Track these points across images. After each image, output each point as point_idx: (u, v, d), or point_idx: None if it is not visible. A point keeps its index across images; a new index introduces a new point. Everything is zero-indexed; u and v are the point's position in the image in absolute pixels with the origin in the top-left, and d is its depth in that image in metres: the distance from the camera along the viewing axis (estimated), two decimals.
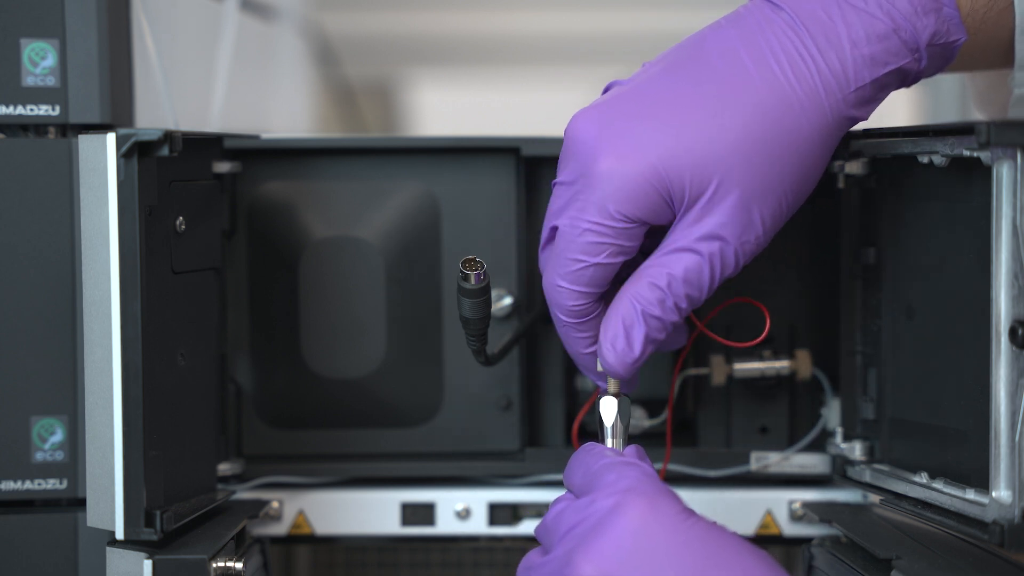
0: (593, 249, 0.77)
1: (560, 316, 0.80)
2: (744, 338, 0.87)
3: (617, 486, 0.73)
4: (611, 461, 0.75)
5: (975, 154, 0.73)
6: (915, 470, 0.80)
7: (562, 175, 0.79)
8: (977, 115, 0.97)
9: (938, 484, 0.78)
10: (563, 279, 0.78)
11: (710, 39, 0.79)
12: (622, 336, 0.78)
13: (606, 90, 0.81)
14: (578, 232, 0.77)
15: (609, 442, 0.79)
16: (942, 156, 0.77)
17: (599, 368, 0.80)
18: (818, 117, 0.77)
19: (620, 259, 0.78)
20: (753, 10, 0.79)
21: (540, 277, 0.82)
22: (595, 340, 0.80)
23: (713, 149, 0.76)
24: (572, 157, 0.78)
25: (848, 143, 0.86)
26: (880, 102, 0.79)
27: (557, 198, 0.79)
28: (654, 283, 0.77)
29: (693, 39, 0.80)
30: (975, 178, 0.75)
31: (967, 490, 0.75)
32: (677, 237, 0.77)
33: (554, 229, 0.79)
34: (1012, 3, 0.80)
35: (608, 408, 0.80)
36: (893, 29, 0.77)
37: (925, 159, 0.78)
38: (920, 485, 0.79)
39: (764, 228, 0.78)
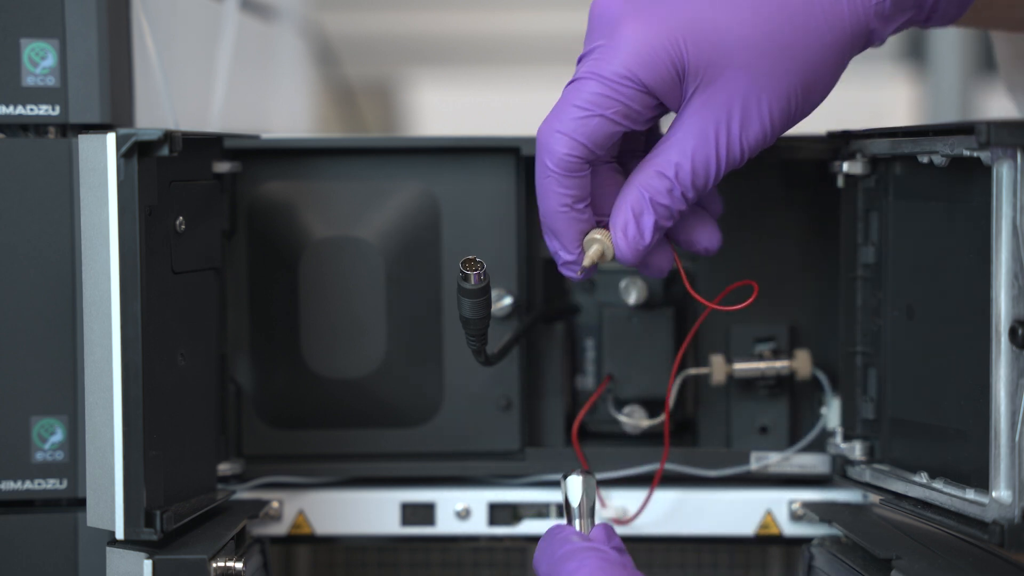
0: (601, 102, 0.78)
1: (548, 165, 0.79)
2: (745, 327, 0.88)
3: None
4: (573, 548, 0.75)
5: (975, 154, 0.73)
6: (915, 470, 0.80)
7: (584, 49, 0.80)
8: (1005, 89, 0.96)
9: (938, 484, 0.78)
10: (563, 126, 0.78)
11: None
12: (632, 223, 0.79)
13: None
14: (589, 84, 0.78)
15: (576, 524, 0.79)
16: (942, 156, 0.77)
17: (565, 255, 0.81)
18: (838, 21, 0.78)
19: (624, 124, 0.78)
20: None
21: (540, 239, 0.82)
22: (574, 200, 0.80)
23: (734, 34, 0.77)
24: (595, 29, 0.79)
25: (848, 143, 0.86)
26: (896, 25, 0.80)
27: (581, 65, 0.80)
28: (661, 172, 0.79)
29: None
30: (975, 178, 0.75)
31: (967, 490, 0.75)
32: (684, 123, 0.79)
33: None
34: None
35: (574, 488, 0.79)
36: None
37: (925, 159, 0.78)
38: (920, 485, 0.79)
39: (771, 123, 0.79)
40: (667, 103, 0.79)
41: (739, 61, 0.78)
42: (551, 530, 0.78)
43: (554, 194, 0.80)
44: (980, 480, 0.74)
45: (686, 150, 0.79)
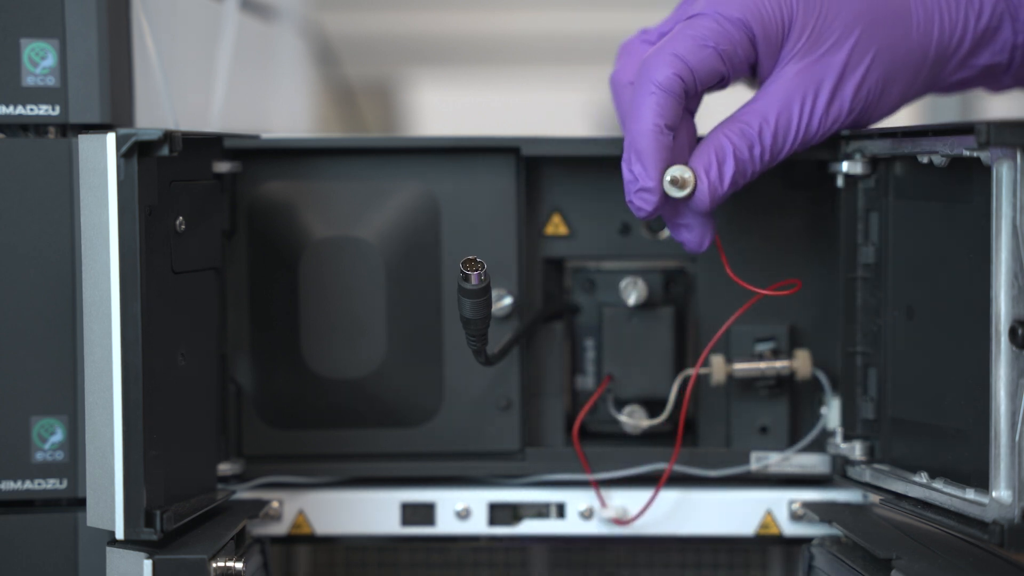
0: (716, 37, 0.81)
1: (655, 81, 0.80)
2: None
3: None
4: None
5: (975, 154, 0.73)
6: (915, 470, 0.80)
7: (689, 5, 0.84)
8: None
9: (938, 484, 0.78)
10: (677, 48, 0.81)
11: None
12: (715, 166, 0.82)
13: None
14: (706, 20, 0.82)
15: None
16: (942, 156, 0.77)
17: (646, 179, 0.81)
18: (926, 41, 0.84)
19: (726, 68, 0.82)
20: None
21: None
22: (669, 124, 0.81)
23: (843, 12, 0.83)
24: None
25: (848, 143, 0.86)
26: (969, 77, 0.87)
27: (685, 3, 0.85)
28: (748, 127, 0.82)
29: None
30: (975, 178, 0.75)
31: (967, 490, 0.75)
32: (775, 86, 0.83)
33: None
34: None
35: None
36: (1004, 10, 0.84)
37: (925, 159, 0.78)
38: (920, 485, 0.79)
39: (851, 107, 0.84)
40: (762, 61, 0.83)
41: (838, 37, 0.82)
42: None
43: (652, 113, 0.81)
44: (980, 480, 0.74)
45: (772, 112, 0.82)
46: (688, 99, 0.82)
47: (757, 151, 0.82)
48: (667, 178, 0.81)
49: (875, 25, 0.83)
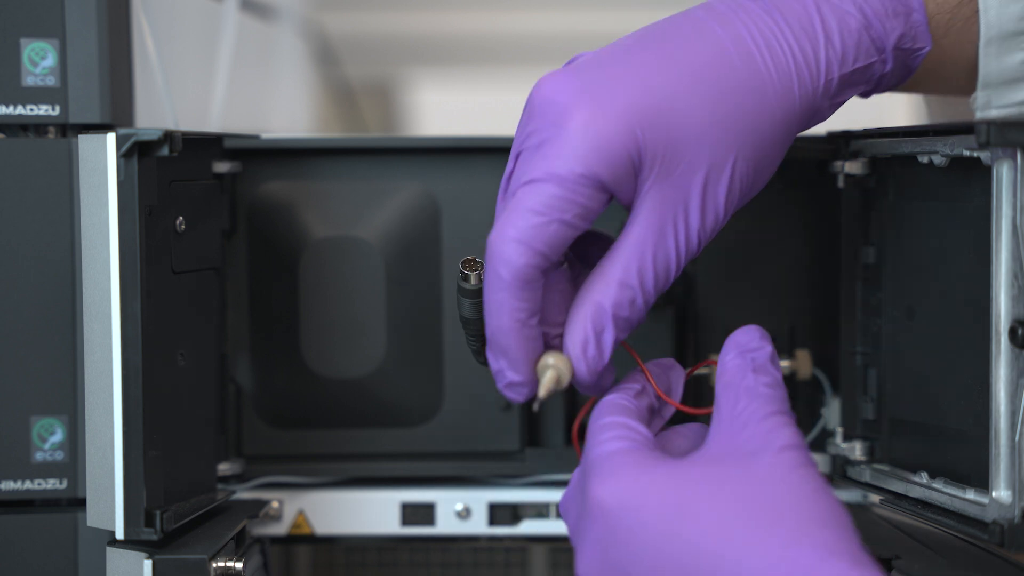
0: (560, 205, 0.72)
1: (504, 277, 0.73)
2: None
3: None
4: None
5: (975, 154, 0.73)
6: (915, 470, 0.80)
7: (525, 139, 0.75)
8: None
9: (938, 484, 0.78)
10: (520, 234, 0.72)
11: (683, 19, 0.77)
12: (593, 342, 0.74)
13: (571, 62, 0.77)
14: (545, 187, 0.72)
15: None
16: (942, 156, 0.77)
17: (513, 375, 0.74)
18: (788, 103, 0.75)
19: (581, 226, 0.73)
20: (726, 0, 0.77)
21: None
22: (528, 315, 0.73)
23: (689, 123, 0.73)
24: (540, 116, 0.74)
25: (848, 143, 0.86)
26: (842, 103, 0.78)
27: (520, 161, 0.75)
28: (624, 282, 0.73)
29: (663, 20, 0.77)
30: (975, 178, 0.75)
31: (967, 490, 0.75)
32: (639, 223, 0.74)
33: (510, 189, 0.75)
34: (976, 15, 0.79)
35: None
36: (864, 26, 0.76)
37: (925, 159, 0.78)
38: (920, 485, 0.79)
39: (725, 210, 0.75)
40: (619, 198, 0.74)
41: (693, 151, 0.73)
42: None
43: (509, 309, 0.73)
44: (980, 480, 0.74)
45: (646, 253, 0.74)
46: (550, 266, 0.73)
47: (640, 301, 0.73)
48: (541, 377, 0.74)
49: (729, 120, 0.74)
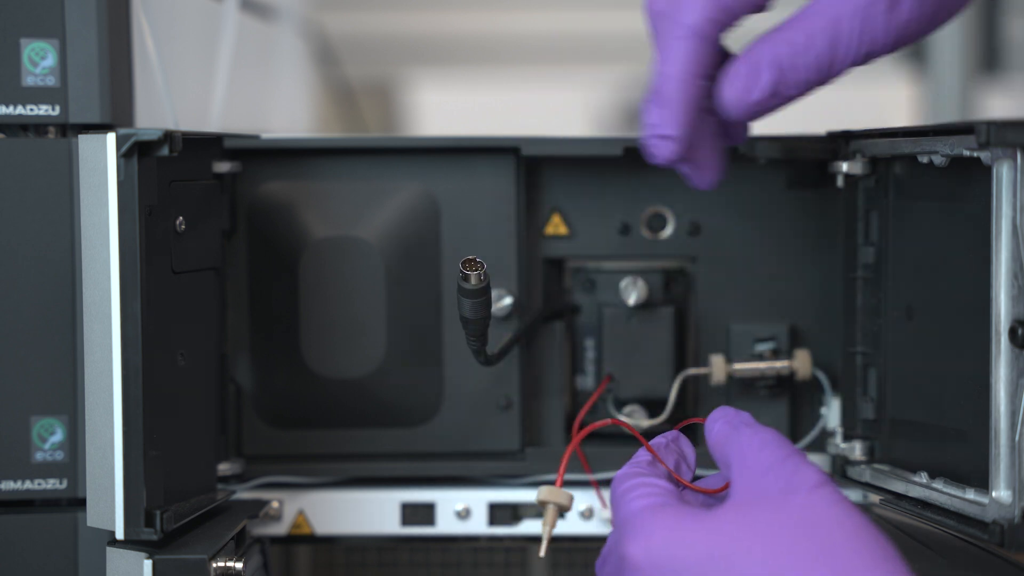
0: None
1: (686, 22, 0.74)
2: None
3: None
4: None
5: (975, 154, 0.73)
6: (915, 470, 0.80)
7: None
8: None
9: (938, 484, 0.78)
10: None
11: None
12: (744, 75, 0.75)
13: None
14: None
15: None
16: (942, 156, 0.77)
17: (669, 129, 0.76)
18: None
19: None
20: None
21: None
22: (701, 68, 0.75)
23: None
24: None
25: (848, 143, 0.86)
26: None
27: None
28: (793, 36, 0.74)
29: None
30: (975, 178, 0.75)
31: (967, 490, 0.75)
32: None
33: None
34: None
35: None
36: None
37: (925, 159, 0.78)
38: (920, 485, 0.79)
39: (899, 25, 0.74)
40: None
41: None
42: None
43: (682, 60, 0.74)
44: (980, 480, 0.74)
45: (816, 20, 0.74)
46: (724, 30, 0.74)
47: (800, 58, 0.74)
48: (544, 514, 0.80)
49: None
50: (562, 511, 0.80)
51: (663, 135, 0.76)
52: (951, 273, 0.78)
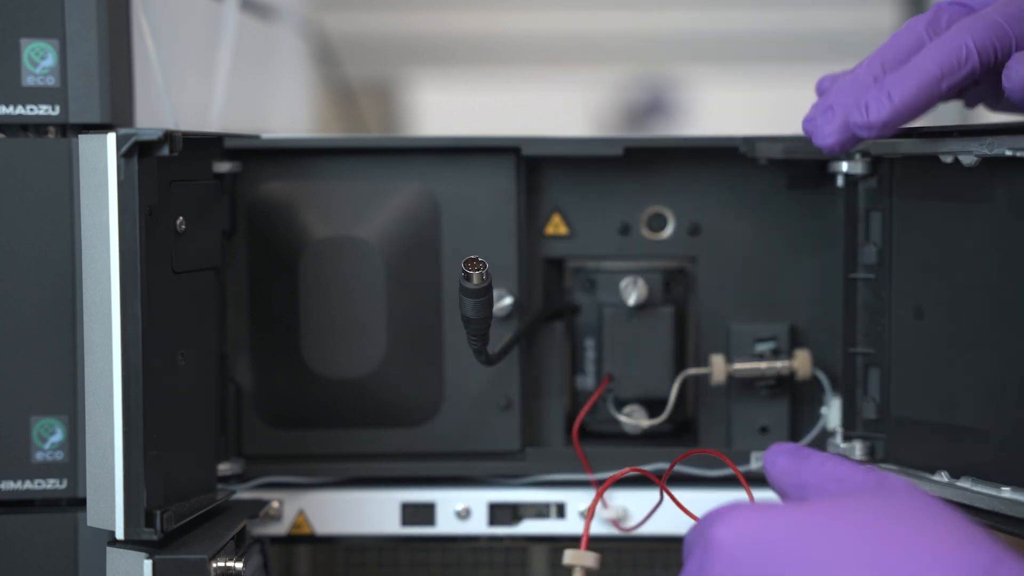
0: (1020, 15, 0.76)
1: (968, 42, 0.76)
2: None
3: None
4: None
5: (1018, 154, 0.73)
6: (931, 469, 0.80)
7: None
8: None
9: (965, 483, 0.78)
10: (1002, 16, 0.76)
11: None
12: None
13: None
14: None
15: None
16: (975, 156, 0.76)
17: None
18: None
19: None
20: None
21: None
22: (947, 88, 0.76)
23: None
24: None
25: None
26: None
27: None
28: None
29: None
30: (998, 178, 0.75)
31: (1001, 489, 0.75)
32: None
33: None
34: None
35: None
36: None
37: (949, 159, 0.78)
38: (942, 484, 0.79)
39: None
40: None
41: None
42: None
43: (945, 62, 0.76)
44: (1001, 477, 0.74)
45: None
46: (964, 79, 0.77)
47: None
48: (571, 567, 0.80)
49: None
50: (589, 574, 0.79)
51: (868, 123, 0.77)
52: (965, 272, 0.78)
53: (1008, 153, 0.74)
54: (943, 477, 0.79)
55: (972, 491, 0.77)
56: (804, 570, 0.63)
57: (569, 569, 0.80)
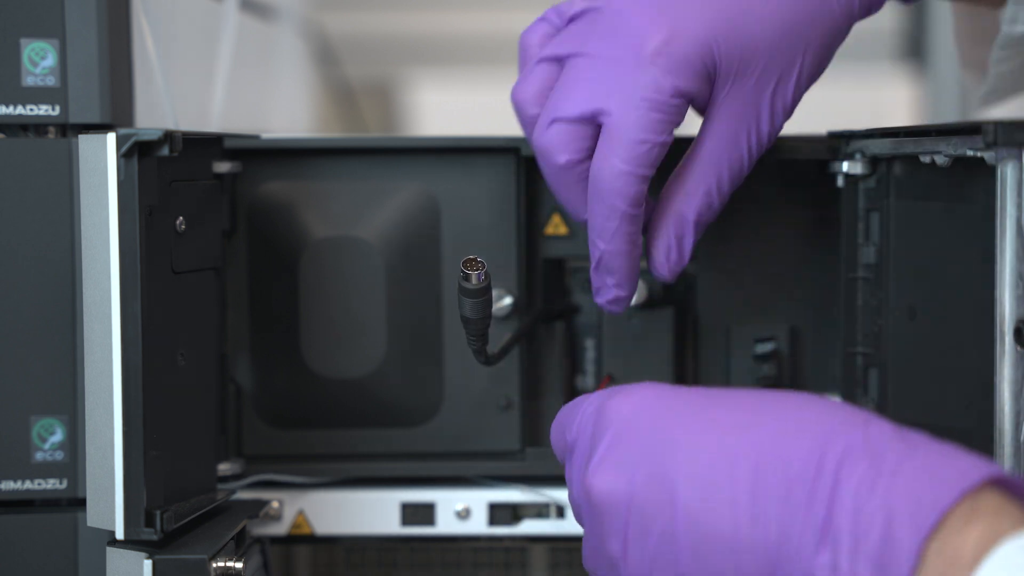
0: (658, 127, 0.76)
1: (620, 206, 0.77)
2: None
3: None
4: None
5: (979, 154, 0.73)
6: None
7: (602, 48, 0.77)
8: (960, 64, 0.97)
9: None
10: (630, 163, 0.77)
11: None
12: (675, 247, 0.80)
13: None
14: (641, 112, 0.76)
15: None
16: (945, 156, 0.77)
17: (620, 291, 0.80)
18: (845, 7, 0.78)
19: (671, 139, 0.77)
20: None
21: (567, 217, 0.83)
22: (638, 234, 0.79)
23: (760, 29, 0.76)
24: (616, 34, 0.77)
25: (848, 143, 0.86)
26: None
27: (593, 72, 0.77)
28: (705, 191, 0.79)
29: None
30: (978, 178, 0.75)
31: None
32: (715, 131, 0.78)
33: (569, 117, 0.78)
34: None
35: None
36: None
37: (927, 159, 0.78)
38: None
39: (793, 106, 0.79)
40: (695, 106, 0.78)
41: (766, 58, 0.77)
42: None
43: (623, 234, 0.79)
44: None
45: (722, 161, 0.78)
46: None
47: (717, 205, 0.80)
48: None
49: (797, 22, 0.77)
50: None
51: (618, 297, 0.81)
52: (953, 273, 0.78)
53: (970, 153, 0.74)
54: None
55: None
56: (685, 436, 0.65)
57: None
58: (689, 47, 0.76)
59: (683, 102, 0.76)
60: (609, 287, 0.81)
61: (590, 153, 0.79)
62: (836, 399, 0.89)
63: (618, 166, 0.77)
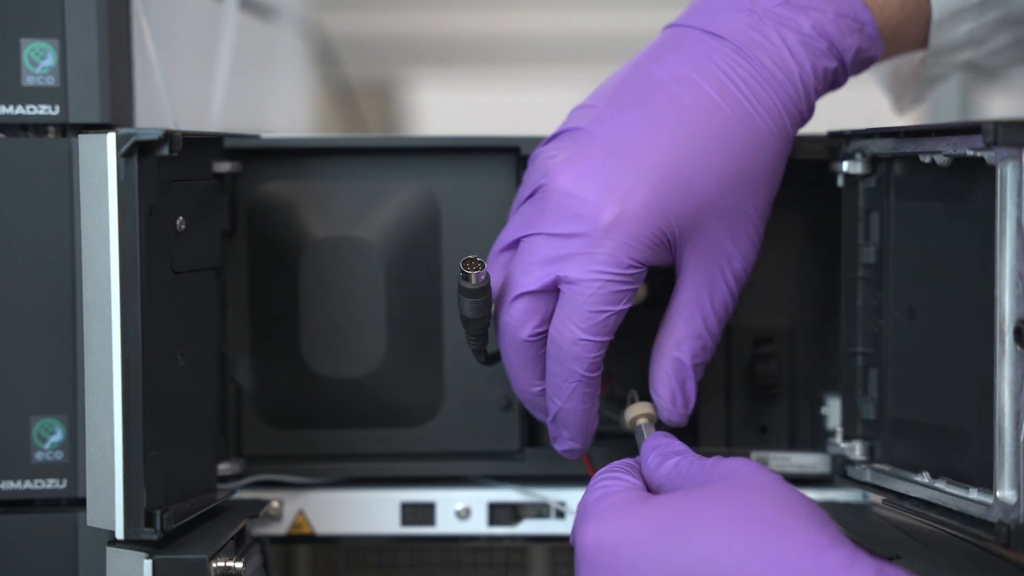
0: (615, 298, 0.79)
1: (578, 371, 0.80)
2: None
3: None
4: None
5: (979, 153, 0.73)
6: (917, 470, 0.80)
7: (555, 226, 0.80)
8: (883, 89, 0.98)
9: (940, 484, 0.78)
10: (588, 332, 0.80)
11: (658, 70, 0.81)
12: (679, 393, 0.82)
13: (564, 131, 0.83)
14: (598, 284, 0.79)
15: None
16: (945, 156, 0.77)
17: (574, 444, 0.84)
18: (781, 129, 0.81)
19: (629, 303, 0.80)
20: (691, 38, 0.82)
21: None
22: (595, 394, 0.82)
23: (710, 187, 0.79)
24: (564, 209, 0.79)
25: (848, 143, 0.86)
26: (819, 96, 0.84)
27: (549, 248, 0.80)
28: (695, 335, 0.82)
29: (637, 70, 0.82)
30: (978, 178, 0.75)
31: (970, 490, 0.75)
32: (689, 281, 0.81)
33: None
34: (920, 16, 0.84)
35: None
36: (828, 48, 0.81)
37: (927, 159, 0.78)
38: (922, 485, 0.79)
39: (759, 238, 0.82)
40: (661, 264, 0.81)
41: (719, 210, 0.80)
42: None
43: (581, 395, 0.81)
44: (982, 480, 0.74)
45: (705, 304, 0.82)
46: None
47: (710, 343, 0.82)
48: (635, 425, 0.84)
49: (740, 170, 0.80)
50: (652, 422, 0.83)
51: (572, 449, 0.84)
52: (953, 273, 0.78)
53: (969, 153, 0.74)
54: (924, 478, 0.79)
55: (944, 492, 0.77)
56: (663, 566, 0.68)
57: (634, 422, 0.83)
58: (642, 226, 0.78)
59: (642, 269, 0.79)
60: (564, 439, 0.83)
61: (551, 316, 0.81)
62: (836, 400, 0.89)
63: (577, 333, 0.80)
